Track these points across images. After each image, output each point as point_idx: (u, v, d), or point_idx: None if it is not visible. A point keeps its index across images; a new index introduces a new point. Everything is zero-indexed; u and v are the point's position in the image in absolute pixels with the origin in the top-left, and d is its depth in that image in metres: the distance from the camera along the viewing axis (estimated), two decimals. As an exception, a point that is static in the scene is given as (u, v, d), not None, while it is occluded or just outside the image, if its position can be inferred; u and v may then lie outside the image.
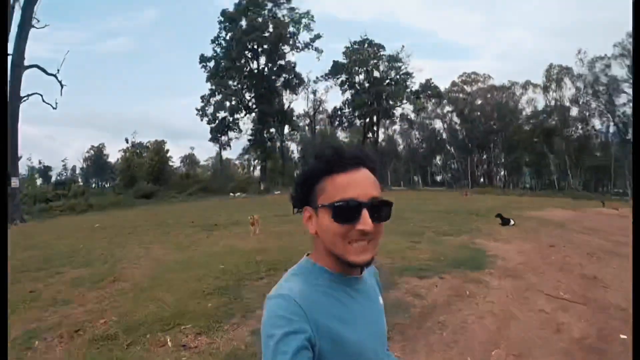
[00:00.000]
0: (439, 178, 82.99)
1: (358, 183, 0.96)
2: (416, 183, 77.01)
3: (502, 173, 74.94)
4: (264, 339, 0.90)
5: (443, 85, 66.68)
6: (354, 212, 0.94)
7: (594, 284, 6.82)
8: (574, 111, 62.63)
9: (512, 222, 14.65)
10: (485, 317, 4.94)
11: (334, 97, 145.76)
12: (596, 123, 61.87)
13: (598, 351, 4.14)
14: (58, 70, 26.33)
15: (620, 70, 57.10)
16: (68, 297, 5.70)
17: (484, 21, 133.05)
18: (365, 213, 0.94)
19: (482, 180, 74.01)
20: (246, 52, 48.35)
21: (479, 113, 70.59)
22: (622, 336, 4.45)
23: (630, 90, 56.93)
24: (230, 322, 4.68)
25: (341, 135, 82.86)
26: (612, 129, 60.50)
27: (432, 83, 55.53)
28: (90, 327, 4.57)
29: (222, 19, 47.62)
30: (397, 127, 76.45)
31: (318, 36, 51.73)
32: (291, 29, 50.06)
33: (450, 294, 5.79)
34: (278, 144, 57.38)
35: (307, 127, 71.01)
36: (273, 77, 51.47)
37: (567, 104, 62.72)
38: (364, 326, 1.02)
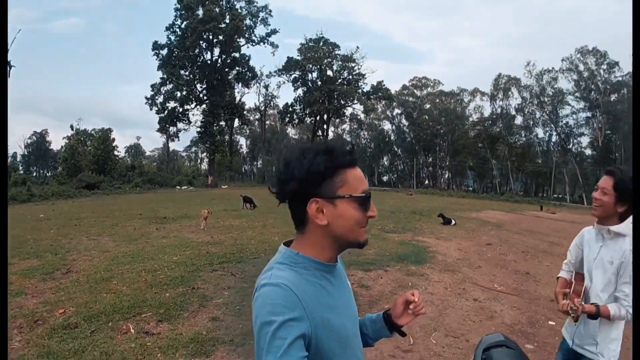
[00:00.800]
0: (385, 178, 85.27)
1: (363, 177, 1.10)
2: (363, 182, 78.69)
3: (447, 175, 78.23)
4: (260, 325, 0.93)
5: (394, 87, 68.65)
6: (369, 202, 1.07)
7: (526, 279, 7.65)
8: (519, 120, 66.84)
9: (453, 221, 15.64)
10: (425, 305, 5.46)
11: (286, 94, 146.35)
12: (539, 132, 66.40)
13: (527, 334, 4.78)
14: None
15: (567, 83, 61.84)
16: (20, 288, 5.65)
17: (438, 28, 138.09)
18: (372, 203, 1.08)
19: (426, 181, 77.01)
20: (201, 42, 47.33)
21: (427, 117, 73.28)
22: (550, 322, 5.14)
23: (574, 103, 61.87)
24: (190, 309, 4.91)
25: (291, 131, 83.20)
26: (554, 138, 65.26)
27: (384, 85, 56.96)
28: (49, 317, 4.62)
29: (179, 6, 46.31)
30: (346, 126, 77.93)
31: (274, 31, 51.54)
32: (248, 21, 49.59)
33: (394, 285, 6.33)
34: (227, 137, 56.68)
35: (257, 122, 70.60)
36: (226, 70, 50.76)
37: (513, 112, 66.79)
38: (345, 310, 1.12)
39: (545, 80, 62.47)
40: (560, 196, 62.18)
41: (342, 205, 1.03)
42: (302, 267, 1.06)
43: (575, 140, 64.34)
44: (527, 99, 64.46)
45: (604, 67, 58.96)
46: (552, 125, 63.73)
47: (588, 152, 64.43)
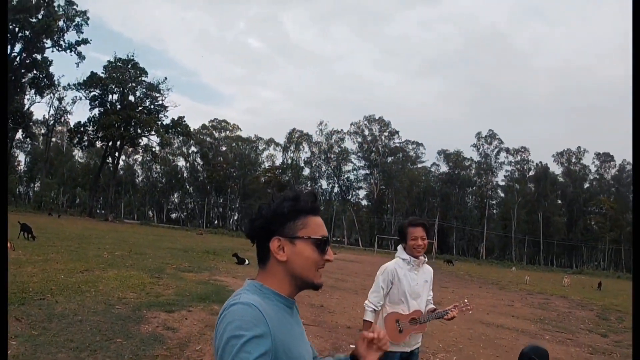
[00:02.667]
0: (174, 215, 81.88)
1: (323, 225, 1.20)
2: (150, 218, 73.73)
3: (236, 217, 79.90)
4: (227, 339, 0.96)
5: (194, 125, 68.00)
6: (325, 246, 1.17)
7: (322, 311, 8.35)
8: (307, 171, 74.35)
9: (247, 261, 16.02)
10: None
11: (81, 112, 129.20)
12: (324, 183, 75.27)
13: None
14: None
15: (352, 144, 72.63)
16: None
17: (246, 76, 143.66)
18: (329, 247, 1.19)
19: (216, 221, 77.00)
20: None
21: (222, 158, 74.43)
22: (352, 346, 5.72)
23: (356, 161, 73.11)
24: None
25: (78, 154, 73.21)
26: (336, 189, 74.45)
27: (184, 121, 55.73)
28: None
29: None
30: (139, 157, 72.79)
31: (85, 40, 46.21)
32: (61, 23, 43.31)
33: (202, 326, 6.10)
34: None
35: (41, 137, 59.83)
36: (22, 70, 42.65)
37: (302, 164, 73.81)
38: (302, 343, 1.18)
39: (334, 139, 72.68)
40: (338, 239, 70.39)
41: (301, 245, 1.14)
42: (266, 296, 1.11)
43: (354, 192, 75.59)
44: (316, 154, 73.05)
45: (386, 134, 72.08)
46: (335, 178, 73.29)
47: (364, 202, 76.32)
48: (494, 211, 73.81)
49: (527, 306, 13.44)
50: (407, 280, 3.01)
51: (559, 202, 71.57)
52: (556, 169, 71.82)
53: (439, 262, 41.11)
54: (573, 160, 71.33)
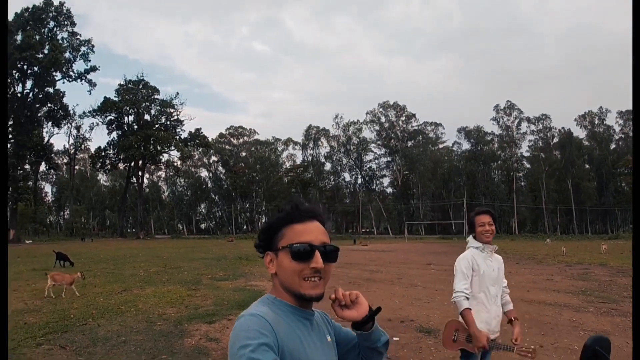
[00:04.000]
0: (203, 225, 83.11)
1: (311, 231, 1.15)
2: (180, 231, 75.10)
3: (264, 219, 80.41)
4: (236, 350, 0.98)
5: (211, 135, 68.92)
6: (308, 253, 1.11)
7: None
8: (328, 166, 74.17)
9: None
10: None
11: (99, 137, 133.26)
12: (346, 176, 75.10)
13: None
14: None
15: (370, 133, 72.05)
16: None
17: (255, 80, 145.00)
18: (317, 253, 1.12)
19: (245, 226, 77.86)
20: (14, 71, 39.90)
21: (243, 164, 75.12)
22: (395, 338, 5.69)
23: (376, 150, 72.39)
24: None
25: (102, 178, 75.19)
26: (359, 180, 74.29)
27: (201, 132, 56.54)
28: None
29: (-4, 26, 38.33)
30: (162, 173, 74.24)
31: (94, 68, 47.37)
32: (68, 54, 44.57)
33: (243, 334, 6.19)
34: (30, 183, 47.86)
35: (65, 167, 61.66)
36: (37, 105, 43.98)
37: (322, 159, 73.67)
38: (320, 355, 1.15)
39: (351, 130, 72.21)
40: (368, 230, 70.30)
41: (281, 256, 1.13)
42: (278, 308, 1.12)
43: (377, 182, 75.13)
44: (335, 148, 72.73)
45: (403, 118, 71.18)
46: (358, 170, 73.07)
47: (389, 190, 75.83)
48: (522, 184, 72.18)
49: (567, 278, 13.10)
50: (485, 266, 3.09)
51: (587, 166, 69.35)
52: (580, 133, 69.83)
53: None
54: (596, 121, 69.07)
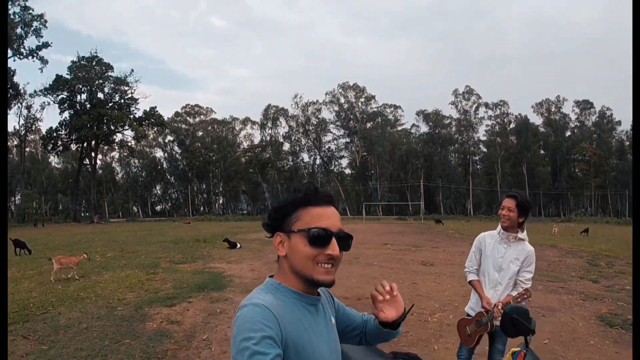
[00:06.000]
0: (159, 208, 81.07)
1: (329, 216, 1.13)
2: (136, 214, 72.95)
3: (221, 201, 79.51)
4: (239, 342, 0.97)
5: (166, 114, 66.75)
6: (325, 239, 1.10)
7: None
8: (287, 146, 73.67)
9: (238, 245, 16.15)
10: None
11: (51, 117, 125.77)
12: (305, 156, 75.00)
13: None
14: None
15: (329, 114, 72.08)
16: None
17: (213, 56, 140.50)
18: (334, 240, 1.11)
19: (202, 208, 76.64)
20: None
21: (199, 144, 73.45)
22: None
23: (335, 130, 72.35)
24: None
25: (54, 160, 71.48)
26: (318, 161, 74.42)
27: (157, 111, 54.56)
28: None
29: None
30: (115, 154, 71.41)
31: (46, 44, 44.55)
32: (19, 30, 41.61)
33: (204, 315, 6.23)
34: None
35: (15, 149, 58.00)
36: None
37: (281, 139, 73.15)
38: (325, 342, 1.15)
39: (310, 111, 71.91)
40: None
41: (295, 239, 1.11)
42: (283, 294, 1.12)
43: (336, 162, 75.59)
44: (294, 128, 72.40)
45: (362, 99, 71.47)
46: (316, 150, 73.15)
47: (348, 171, 76.65)
48: (478, 167, 74.55)
49: (516, 257, 13.82)
50: (491, 250, 3.16)
51: (542, 152, 72.44)
52: (536, 119, 72.50)
53: (429, 223, 41.95)
54: (553, 109, 71.96)
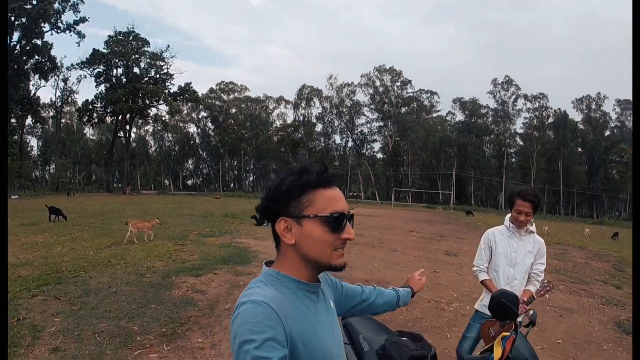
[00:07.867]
0: (190, 182, 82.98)
1: (341, 198, 1.07)
2: (167, 187, 75.00)
3: (251, 178, 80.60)
4: (239, 344, 0.92)
5: (201, 90, 67.56)
6: (342, 223, 1.04)
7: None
8: (319, 127, 73.86)
9: (266, 222, 16.35)
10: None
11: (87, 90, 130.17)
12: (337, 138, 74.88)
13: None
14: None
15: (364, 96, 71.59)
16: None
17: (248, 34, 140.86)
18: (348, 224, 1.06)
19: (232, 184, 77.98)
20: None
21: (232, 121, 74.31)
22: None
23: (369, 114, 71.63)
24: (23, 344, 4.04)
25: (89, 132, 74.00)
26: (350, 144, 74.38)
27: (191, 87, 55.43)
28: None
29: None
30: (150, 127, 73.17)
31: (83, 19, 45.60)
32: (57, 5, 42.59)
33: (228, 286, 6.46)
34: (16, 137, 47.07)
35: (51, 120, 60.23)
36: (24, 58, 42.65)
37: (314, 120, 73.28)
38: (328, 330, 1.11)
39: (345, 92, 71.47)
40: (355, 194, 70.84)
41: (309, 224, 1.03)
42: (283, 285, 1.06)
43: (368, 146, 75.12)
44: (327, 109, 72.19)
45: (398, 84, 70.36)
46: (349, 133, 72.88)
47: (379, 155, 76.13)
48: (513, 160, 72.47)
49: (543, 257, 13.55)
50: (503, 245, 3.11)
51: (579, 150, 69.55)
52: (576, 115, 69.51)
53: (459, 213, 41.33)
54: (593, 106, 68.81)
